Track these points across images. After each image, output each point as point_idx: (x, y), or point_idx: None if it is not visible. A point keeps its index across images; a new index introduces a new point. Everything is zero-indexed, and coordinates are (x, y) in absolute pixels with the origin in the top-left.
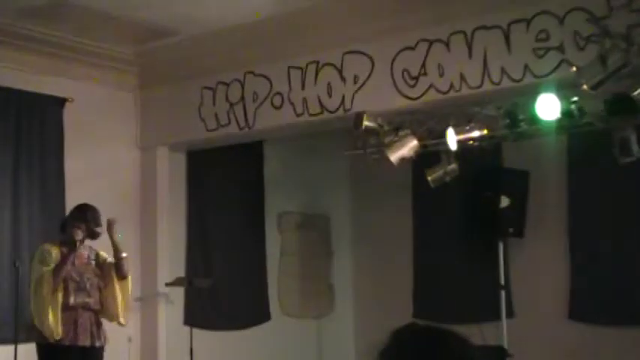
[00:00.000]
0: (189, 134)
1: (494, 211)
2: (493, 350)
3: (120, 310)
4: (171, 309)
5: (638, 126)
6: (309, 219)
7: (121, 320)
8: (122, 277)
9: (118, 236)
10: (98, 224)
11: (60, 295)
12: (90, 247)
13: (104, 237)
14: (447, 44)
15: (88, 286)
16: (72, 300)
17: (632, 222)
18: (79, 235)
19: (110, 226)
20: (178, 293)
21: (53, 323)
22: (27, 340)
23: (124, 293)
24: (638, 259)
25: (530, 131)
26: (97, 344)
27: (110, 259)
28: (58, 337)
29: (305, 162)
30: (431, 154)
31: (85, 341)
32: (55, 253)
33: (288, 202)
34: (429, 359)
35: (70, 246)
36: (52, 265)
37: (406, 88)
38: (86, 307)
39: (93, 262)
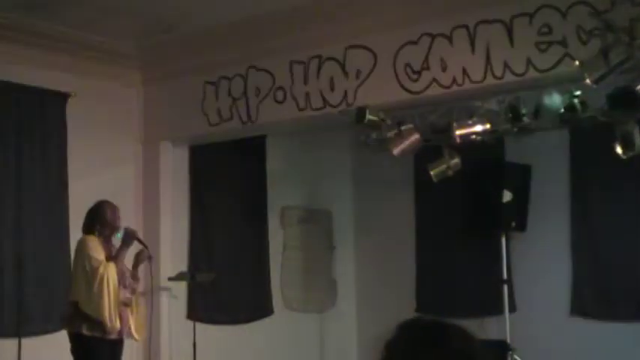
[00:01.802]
0: (192, 129)
1: (497, 205)
2: (495, 344)
3: None
4: (174, 303)
5: None
6: (312, 213)
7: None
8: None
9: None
10: None
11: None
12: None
13: None
14: (450, 38)
15: (129, 283)
16: (121, 296)
17: (636, 217)
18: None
19: (142, 257)
20: (181, 288)
21: (116, 320)
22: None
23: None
24: None
25: (532, 125)
26: (129, 337)
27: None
28: (115, 334)
29: (307, 156)
30: (433, 149)
31: (126, 335)
32: (100, 247)
33: (291, 196)
34: (435, 352)
35: (110, 239)
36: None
37: (409, 83)
38: (128, 302)
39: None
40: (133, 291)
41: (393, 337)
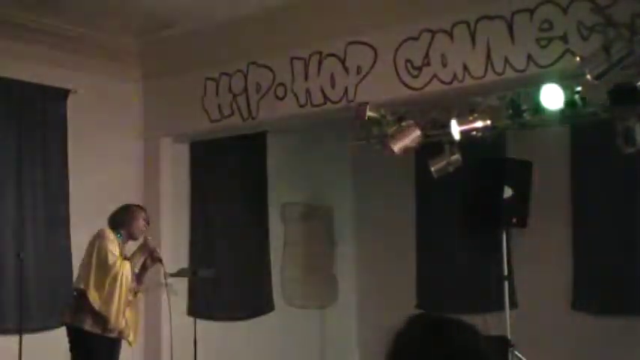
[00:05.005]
0: (193, 125)
1: (497, 201)
2: (496, 340)
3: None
4: (174, 300)
5: None
6: (313, 209)
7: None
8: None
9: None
10: None
11: None
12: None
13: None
14: (451, 34)
15: (133, 286)
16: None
17: (636, 212)
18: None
19: (151, 261)
20: (182, 284)
21: (121, 319)
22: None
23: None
24: None
25: (533, 121)
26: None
27: None
28: (116, 333)
29: (308, 152)
30: (434, 145)
31: (129, 334)
32: (117, 244)
33: (292, 192)
34: (443, 346)
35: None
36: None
37: (409, 79)
38: (129, 304)
39: None
40: (135, 294)
41: (402, 329)
